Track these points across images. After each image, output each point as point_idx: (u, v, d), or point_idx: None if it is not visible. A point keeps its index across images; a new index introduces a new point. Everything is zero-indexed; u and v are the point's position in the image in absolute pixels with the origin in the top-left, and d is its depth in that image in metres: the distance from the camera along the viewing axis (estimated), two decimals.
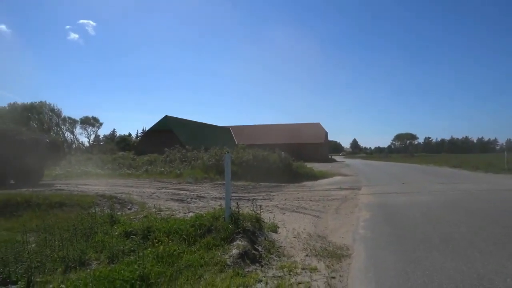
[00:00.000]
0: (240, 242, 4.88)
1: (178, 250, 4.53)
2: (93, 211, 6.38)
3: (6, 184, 13.00)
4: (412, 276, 4.15)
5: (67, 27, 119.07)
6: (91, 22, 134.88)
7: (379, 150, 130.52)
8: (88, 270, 4.03)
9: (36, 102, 54.97)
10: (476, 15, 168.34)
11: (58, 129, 58.81)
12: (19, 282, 3.73)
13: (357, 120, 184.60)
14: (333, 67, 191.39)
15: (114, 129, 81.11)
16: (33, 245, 4.67)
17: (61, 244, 4.68)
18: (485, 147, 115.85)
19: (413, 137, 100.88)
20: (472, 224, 6.97)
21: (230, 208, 5.56)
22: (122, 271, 3.74)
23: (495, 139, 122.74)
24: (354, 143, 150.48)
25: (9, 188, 11.42)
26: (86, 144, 65.59)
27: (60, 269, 4.11)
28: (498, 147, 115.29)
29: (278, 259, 4.88)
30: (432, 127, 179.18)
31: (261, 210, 6.57)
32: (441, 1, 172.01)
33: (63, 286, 3.38)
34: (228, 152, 5.80)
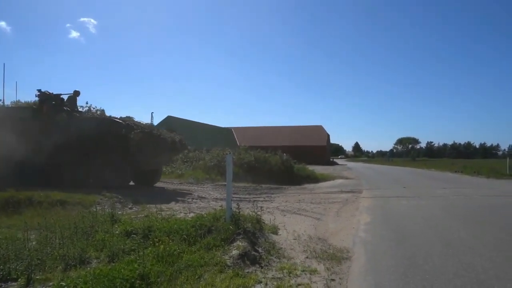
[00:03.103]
0: (240, 243, 4.88)
1: (178, 250, 4.53)
2: (94, 210, 6.40)
3: (126, 184, 12.46)
4: (412, 280, 4.14)
5: (68, 25, 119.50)
6: (92, 20, 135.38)
7: (381, 153, 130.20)
8: (88, 268, 4.04)
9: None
10: (478, 19, 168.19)
11: None
12: (19, 279, 3.74)
13: (359, 123, 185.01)
14: (336, 70, 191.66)
15: None
16: (33, 243, 4.68)
17: (61, 242, 4.68)
18: (487, 152, 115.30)
19: (415, 141, 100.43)
20: (473, 229, 6.95)
21: (231, 209, 5.56)
22: (122, 270, 3.74)
23: (498, 144, 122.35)
24: (356, 147, 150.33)
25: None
26: None
27: (60, 267, 4.11)
28: (500, 152, 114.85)
29: (278, 260, 4.88)
30: (434, 132, 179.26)
31: (262, 212, 6.59)
32: (446, 2, 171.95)
33: (63, 283, 3.38)
34: (229, 153, 5.80)
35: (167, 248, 4.49)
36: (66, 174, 12.10)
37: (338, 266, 4.76)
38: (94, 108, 13.11)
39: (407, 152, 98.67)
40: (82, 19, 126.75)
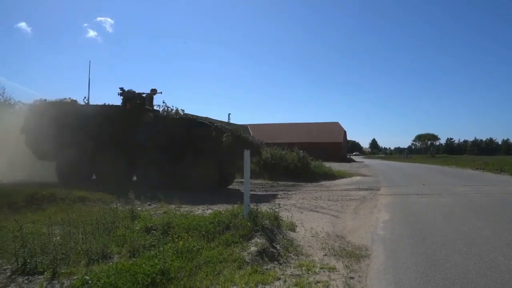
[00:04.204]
0: (258, 240, 4.90)
1: (197, 246, 4.60)
2: (115, 206, 6.53)
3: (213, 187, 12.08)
4: (432, 279, 4.07)
5: (85, 24, 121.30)
6: (109, 20, 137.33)
7: (398, 150, 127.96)
8: (111, 263, 4.14)
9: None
10: (502, 14, 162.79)
11: None
12: (45, 273, 3.87)
13: (376, 119, 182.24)
14: (353, 66, 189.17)
15: None
16: (58, 238, 4.82)
17: (84, 237, 4.81)
18: (510, 149, 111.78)
19: (434, 137, 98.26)
20: (495, 227, 6.77)
21: (249, 205, 5.58)
22: (143, 265, 3.82)
23: None
24: (373, 143, 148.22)
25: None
26: None
27: (83, 261, 4.23)
28: None
29: (296, 257, 4.88)
30: (454, 128, 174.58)
31: (279, 209, 6.57)
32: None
33: (87, 277, 3.48)
34: (247, 150, 5.81)
35: (186, 244, 4.56)
36: (150, 175, 11.99)
37: (357, 264, 4.72)
38: (170, 108, 12.79)
39: (426, 149, 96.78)
40: (98, 18, 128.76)
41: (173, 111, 12.68)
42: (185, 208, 7.37)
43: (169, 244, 4.62)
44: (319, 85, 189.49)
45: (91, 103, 13.63)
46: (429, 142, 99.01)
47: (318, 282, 3.97)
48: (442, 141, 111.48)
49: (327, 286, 3.88)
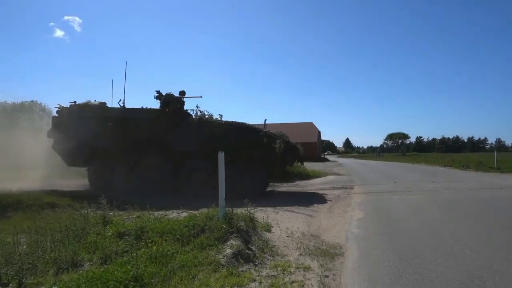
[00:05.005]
0: (234, 242, 4.88)
1: (171, 250, 4.52)
2: (85, 211, 6.33)
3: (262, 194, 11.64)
4: (403, 274, 4.20)
5: (51, 23, 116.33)
6: (77, 19, 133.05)
7: (371, 149, 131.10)
8: (81, 271, 4.01)
9: (26, 102, 53.93)
10: (466, 16, 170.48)
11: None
12: (10, 284, 3.69)
13: (349, 120, 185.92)
14: (326, 67, 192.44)
15: None
16: (24, 247, 4.62)
17: (53, 245, 4.63)
18: (475, 146, 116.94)
19: (405, 136, 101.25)
20: (461, 222, 7.07)
21: (224, 207, 5.55)
22: (116, 272, 3.72)
23: (485, 138, 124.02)
24: (347, 143, 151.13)
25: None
26: None
27: (52, 270, 4.07)
28: (488, 146, 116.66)
29: (272, 258, 4.90)
30: (423, 127, 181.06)
31: (255, 210, 6.57)
32: (433, 2, 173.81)
33: (56, 287, 3.35)
34: (222, 152, 5.79)
35: (160, 249, 4.48)
36: (195, 181, 11.37)
37: (332, 262, 4.79)
38: (204, 112, 12.31)
39: (397, 147, 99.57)
40: (66, 17, 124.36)
41: (207, 115, 12.20)
42: (159, 212, 7.23)
43: (143, 249, 4.53)
44: (293, 85, 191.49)
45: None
46: (400, 141, 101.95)
47: (293, 282, 3.99)
48: (412, 139, 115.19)
49: (302, 286, 3.91)
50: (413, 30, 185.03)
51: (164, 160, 11.61)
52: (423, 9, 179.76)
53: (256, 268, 4.43)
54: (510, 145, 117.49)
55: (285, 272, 4.31)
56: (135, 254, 4.24)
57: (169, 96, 12.05)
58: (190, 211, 7.11)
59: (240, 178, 11.11)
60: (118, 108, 12.16)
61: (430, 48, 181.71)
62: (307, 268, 4.47)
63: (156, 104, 12.29)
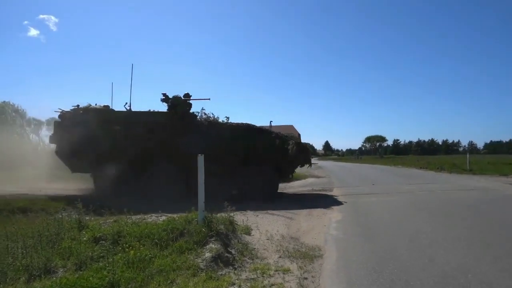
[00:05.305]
0: (213, 245, 4.84)
1: (149, 255, 4.44)
2: (60, 216, 6.14)
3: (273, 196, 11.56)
4: (380, 274, 4.27)
5: (26, 22, 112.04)
6: (53, 18, 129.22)
7: (350, 152, 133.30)
8: (54, 278, 3.88)
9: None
10: (438, 22, 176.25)
11: (22, 130, 56.08)
12: None
13: (329, 123, 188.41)
14: (306, 70, 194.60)
15: None
16: None
17: (24, 251, 4.46)
18: (449, 149, 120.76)
19: (382, 139, 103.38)
20: (437, 223, 7.28)
21: (204, 211, 5.51)
22: (91, 278, 3.62)
23: (459, 141, 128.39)
24: (327, 145, 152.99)
25: None
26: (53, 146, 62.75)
27: (23, 278, 3.91)
28: (461, 149, 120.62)
29: (251, 261, 4.89)
30: (400, 130, 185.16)
31: (235, 213, 6.55)
32: (402, 7, 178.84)
33: None
34: (201, 154, 5.75)
35: (138, 254, 4.39)
36: (206, 185, 10.91)
37: (311, 264, 4.83)
38: (209, 115, 11.98)
39: (375, 150, 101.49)
40: (41, 16, 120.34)
41: (212, 117, 11.92)
42: (137, 216, 7.10)
43: (119, 255, 4.42)
44: (273, 87, 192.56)
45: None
46: (377, 144, 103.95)
47: (272, 284, 4.00)
48: (390, 142, 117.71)
49: None
50: (387, 35, 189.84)
51: (173, 164, 11.24)
52: (400, 20, 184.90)
53: (235, 271, 4.41)
54: (481, 148, 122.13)
55: (264, 275, 4.31)
56: (111, 259, 4.14)
57: (177, 98, 11.70)
58: (169, 215, 7.01)
59: (252, 181, 11.21)
60: (125, 111, 11.76)
61: (405, 54, 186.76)
62: (286, 271, 4.48)
63: (157, 107, 12.06)
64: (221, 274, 4.22)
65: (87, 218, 6.89)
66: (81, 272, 3.97)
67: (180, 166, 11.11)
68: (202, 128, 11.52)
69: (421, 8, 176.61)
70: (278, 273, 4.40)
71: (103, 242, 5.00)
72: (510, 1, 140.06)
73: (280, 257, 5.14)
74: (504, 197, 11.24)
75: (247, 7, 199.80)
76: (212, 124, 11.75)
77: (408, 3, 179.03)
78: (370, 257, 5.02)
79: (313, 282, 4.16)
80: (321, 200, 11.31)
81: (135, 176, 11.22)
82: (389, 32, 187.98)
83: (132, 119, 11.44)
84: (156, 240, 4.94)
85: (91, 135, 10.90)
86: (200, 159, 5.70)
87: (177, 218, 5.83)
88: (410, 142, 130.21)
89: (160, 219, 6.39)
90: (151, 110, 11.87)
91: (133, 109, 11.96)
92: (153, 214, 7.49)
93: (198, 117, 11.97)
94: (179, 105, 11.60)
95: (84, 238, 5.16)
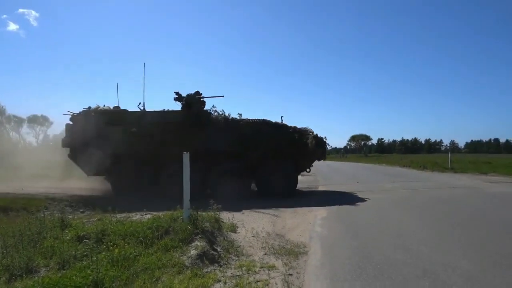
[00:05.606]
0: (198, 243, 4.84)
1: (134, 253, 4.41)
2: (42, 215, 6.03)
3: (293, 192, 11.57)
4: (364, 270, 4.35)
5: (4, 16, 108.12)
6: (33, 12, 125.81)
7: (335, 150, 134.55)
8: (36, 277, 3.81)
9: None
10: (425, 19, 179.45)
11: (2, 128, 54.62)
12: None
13: (316, 121, 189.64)
14: (293, 69, 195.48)
15: None
16: None
17: (5, 251, 4.38)
18: (431, 147, 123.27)
19: (367, 138, 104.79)
20: (419, 220, 7.44)
21: (189, 208, 5.50)
22: (74, 277, 3.58)
23: (441, 140, 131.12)
24: None
25: None
26: (34, 144, 61.40)
27: (3, 278, 3.84)
28: (443, 148, 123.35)
29: (237, 258, 4.91)
30: (384, 129, 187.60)
31: (221, 211, 6.56)
32: (391, 8, 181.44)
33: None
34: (187, 152, 5.73)
35: (122, 252, 4.36)
36: (227, 183, 10.76)
37: (296, 261, 4.87)
38: (220, 112, 11.82)
39: (360, 149, 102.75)
40: (21, 10, 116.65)
41: (223, 115, 11.73)
42: (122, 214, 7.03)
43: (104, 253, 4.38)
44: (260, 85, 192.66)
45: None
46: (362, 142, 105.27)
47: (258, 281, 4.03)
48: (374, 141, 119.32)
49: (267, 285, 3.95)
50: (370, 33, 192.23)
51: (195, 164, 11.17)
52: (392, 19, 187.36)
53: (221, 268, 4.43)
54: (463, 147, 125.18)
55: (250, 271, 4.33)
56: (95, 258, 4.09)
57: (191, 97, 11.53)
58: (155, 213, 6.97)
59: (272, 177, 11.21)
60: (140, 111, 11.56)
61: (390, 54, 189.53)
62: (271, 267, 4.52)
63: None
64: (206, 272, 4.23)
65: (70, 217, 6.80)
66: (64, 271, 3.92)
67: (197, 166, 11.11)
68: (220, 125, 11.40)
69: (420, 8, 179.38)
70: (264, 270, 4.43)
71: (87, 240, 4.95)
72: (510, 1, 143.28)
73: (265, 254, 5.17)
74: (485, 195, 11.55)
75: (247, 7, 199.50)
76: (229, 121, 11.63)
77: (408, 3, 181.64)
78: (354, 253, 5.10)
79: (298, 278, 4.21)
80: (306, 198, 11.40)
81: (153, 176, 11.16)
82: (389, 32, 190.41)
83: (149, 119, 11.26)
84: (141, 238, 4.92)
85: (107, 137, 10.80)
86: (186, 157, 5.70)
87: (162, 216, 5.80)
88: (394, 141, 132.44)
89: (145, 217, 6.35)
90: (165, 110, 11.68)
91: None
92: (138, 213, 7.44)
93: (212, 114, 11.84)
94: (193, 103, 11.46)
95: (67, 237, 5.10)
